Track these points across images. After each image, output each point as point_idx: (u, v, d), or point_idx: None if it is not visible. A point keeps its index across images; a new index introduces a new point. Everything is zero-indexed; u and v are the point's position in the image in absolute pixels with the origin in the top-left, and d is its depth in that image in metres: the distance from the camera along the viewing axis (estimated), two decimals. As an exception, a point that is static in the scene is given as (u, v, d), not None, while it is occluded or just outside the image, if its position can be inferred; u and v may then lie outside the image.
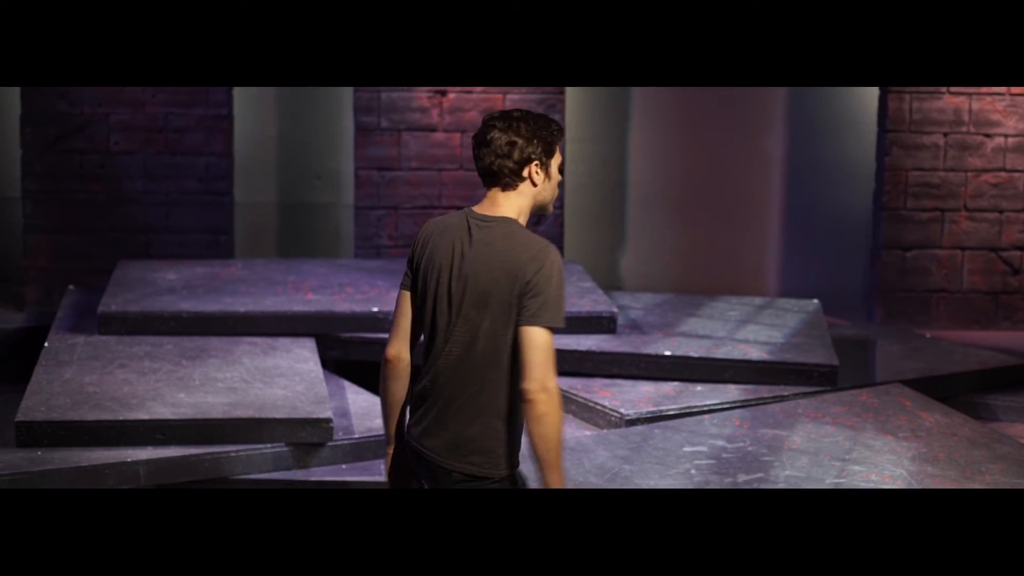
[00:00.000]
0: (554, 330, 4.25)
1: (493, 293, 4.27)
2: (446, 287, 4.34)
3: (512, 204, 4.41)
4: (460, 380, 4.35)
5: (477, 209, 4.44)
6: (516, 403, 4.32)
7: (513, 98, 9.92)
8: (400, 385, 4.53)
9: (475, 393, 4.34)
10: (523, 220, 4.43)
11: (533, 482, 4.59)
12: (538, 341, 4.21)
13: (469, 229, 4.38)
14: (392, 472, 4.69)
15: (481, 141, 4.37)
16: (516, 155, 4.33)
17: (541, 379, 4.19)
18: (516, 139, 4.33)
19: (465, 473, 4.37)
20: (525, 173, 4.37)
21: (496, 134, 4.33)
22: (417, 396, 4.44)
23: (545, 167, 4.39)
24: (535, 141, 4.35)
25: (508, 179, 4.37)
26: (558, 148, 4.43)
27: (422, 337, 4.51)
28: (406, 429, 4.51)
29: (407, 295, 4.47)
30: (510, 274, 4.26)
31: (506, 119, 4.36)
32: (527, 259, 4.27)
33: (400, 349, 4.49)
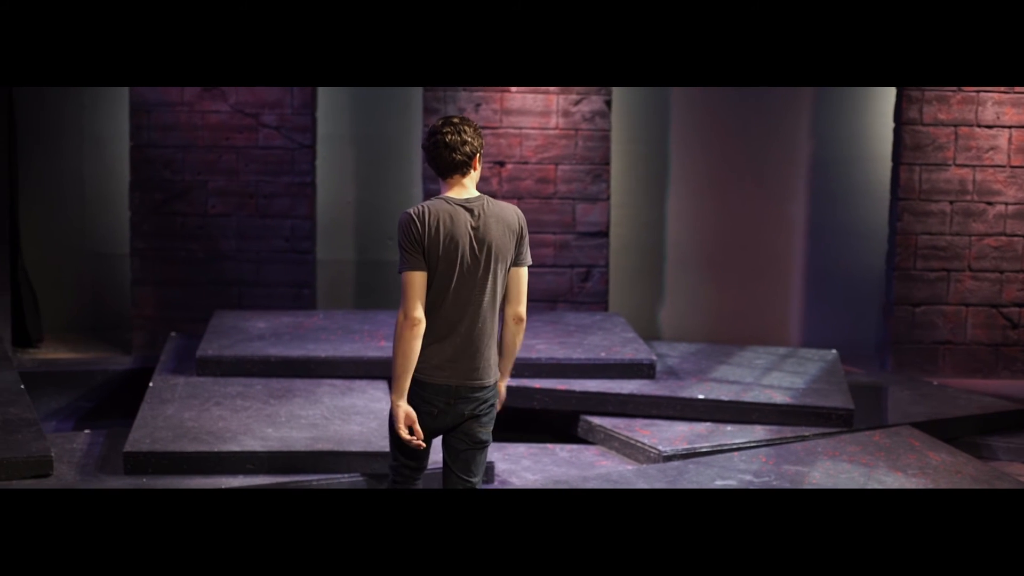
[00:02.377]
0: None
1: (506, 248, 5.12)
2: (470, 255, 5.04)
3: (472, 184, 5.17)
4: (487, 318, 5.13)
5: (453, 195, 5.13)
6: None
7: (564, 169, 9.99)
8: (419, 343, 5.07)
9: (492, 324, 5.16)
10: None
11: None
12: (526, 276, 5.21)
13: (467, 211, 5.08)
14: (405, 420, 5.14)
15: (446, 144, 5.08)
16: (469, 149, 5.10)
17: (525, 303, 5.21)
18: (468, 138, 5.10)
19: (488, 385, 5.18)
20: (475, 161, 5.16)
21: (455, 137, 5.08)
22: (446, 345, 5.10)
23: (480, 156, 5.19)
24: (478, 138, 5.15)
25: (468, 168, 5.12)
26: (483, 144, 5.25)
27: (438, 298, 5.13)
28: (438, 373, 5.11)
29: (420, 274, 5.03)
30: (512, 230, 5.13)
31: (454, 125, 5.10)
32: (515, 217, 5.16)
33: (422, 314, 5.05)
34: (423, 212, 5.06)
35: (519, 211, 5.20)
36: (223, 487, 6.37)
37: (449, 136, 5.08)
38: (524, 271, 5.19)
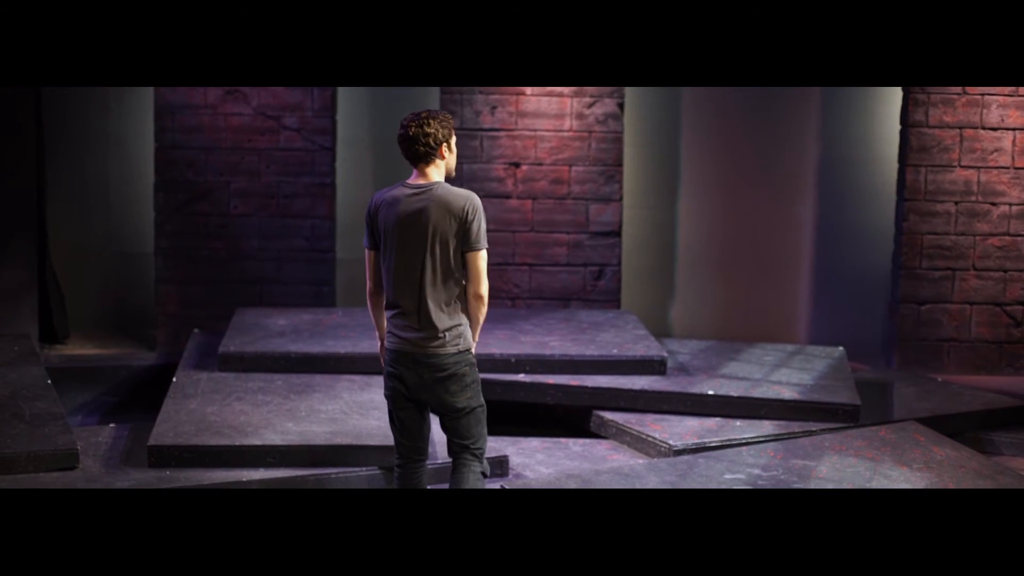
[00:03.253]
0: (487, 250, 5.51)
1: (448, 231, 5.40)
2: (411, 237, 5.41)
3: (438, 172, 5.52)
4: (431, 295, 5.43)
5: (412, 182, 5.50)
6: (464, 301, 5.52)
7: (577, 170, 9.99)
8: (379, 309, 5.62)
9: (447, 300, 5.45)
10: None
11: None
12: (480, 260, 5.46)
13: (416, 196, 5.44)
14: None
15: (408, 137, 5.44)
16: (432, 141, 5.43)
17: (484, 283, 5.48)
18: (430, 130, 5.43)
19: (451, 353, 5.45)
20: (440, 151, 5.49)
21: (417, 129, 5.42)
22: (400, 315, 5.48)
23: (449, 146, 5.53)
24: (442, 129, 5.47)
25: (430, 157, 5.46)
26: (453, 132, 5.55)
27: (391, 273, 5.52)
28: (395, 340, 5.49)
29: (372, 252, 5.56)
30: (454, 215, 5.40)
31: (420, 119, 5.44)
32: (461, 204, 5.42)
33: (377, 286, 5.59)
34: (377, 198, 5.55)
35: (473, 198, 5.48)
36: (244, 479, 6.40)
37: (412, 129, 5.45)
38: (477, 255, 5.46)
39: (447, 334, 5.46)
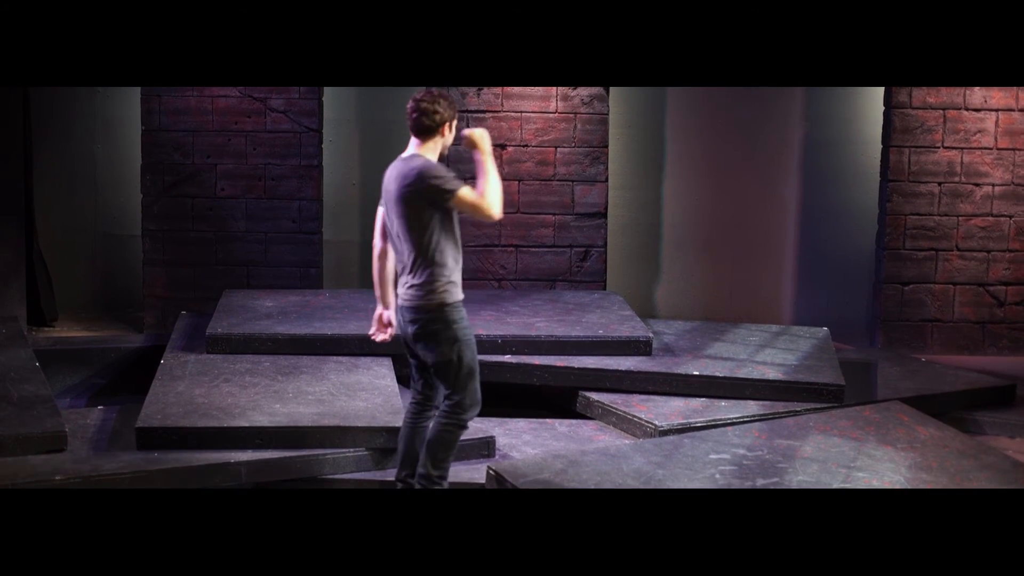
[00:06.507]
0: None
1: (401, 196, 5.64)
2: (388, 201, 5.74)
3: (430, 149, 5.73)
4: (405, 253, 5.73)
5: (404, 152, 5.77)
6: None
7: (563, 151, 9.97)
8: (390, 265, 5.92)
9: (411, 258, 5.72)
10: (433, 158, 5.74)
11: None
12: (467, 197, 5.62)
13: (396, 165, 5.74)
14: (380, 323, 6.08)
15: (419, 110, 5.67)
16: (438, 119, 5.70)
17: (488, 208, 5.70)
18: (440, 108, 5.69)
19: (415, 306, 5.73)
20: (441, 130, 5.74)
21: (427, 105, 5.67)
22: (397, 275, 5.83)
23: (451, 127, 5.79)
24: (448, 110, 5.74)
25: (431, 132, 5.71)
26: (456, 116, 5.82)
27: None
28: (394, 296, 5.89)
29: (380, 210, 5.85)
30: (406, 183, 5.61)
31: (433, 97, 5.68)
32: (412, 173, 5.61)
33: (377, 242, 5.92)
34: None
35: (422, 167, 5.62)
36: (232, 461, 6.38)
37: (424, 104, 5.69)
38: (460, 199, 5.61)
39: (423, 293, 5.77)
